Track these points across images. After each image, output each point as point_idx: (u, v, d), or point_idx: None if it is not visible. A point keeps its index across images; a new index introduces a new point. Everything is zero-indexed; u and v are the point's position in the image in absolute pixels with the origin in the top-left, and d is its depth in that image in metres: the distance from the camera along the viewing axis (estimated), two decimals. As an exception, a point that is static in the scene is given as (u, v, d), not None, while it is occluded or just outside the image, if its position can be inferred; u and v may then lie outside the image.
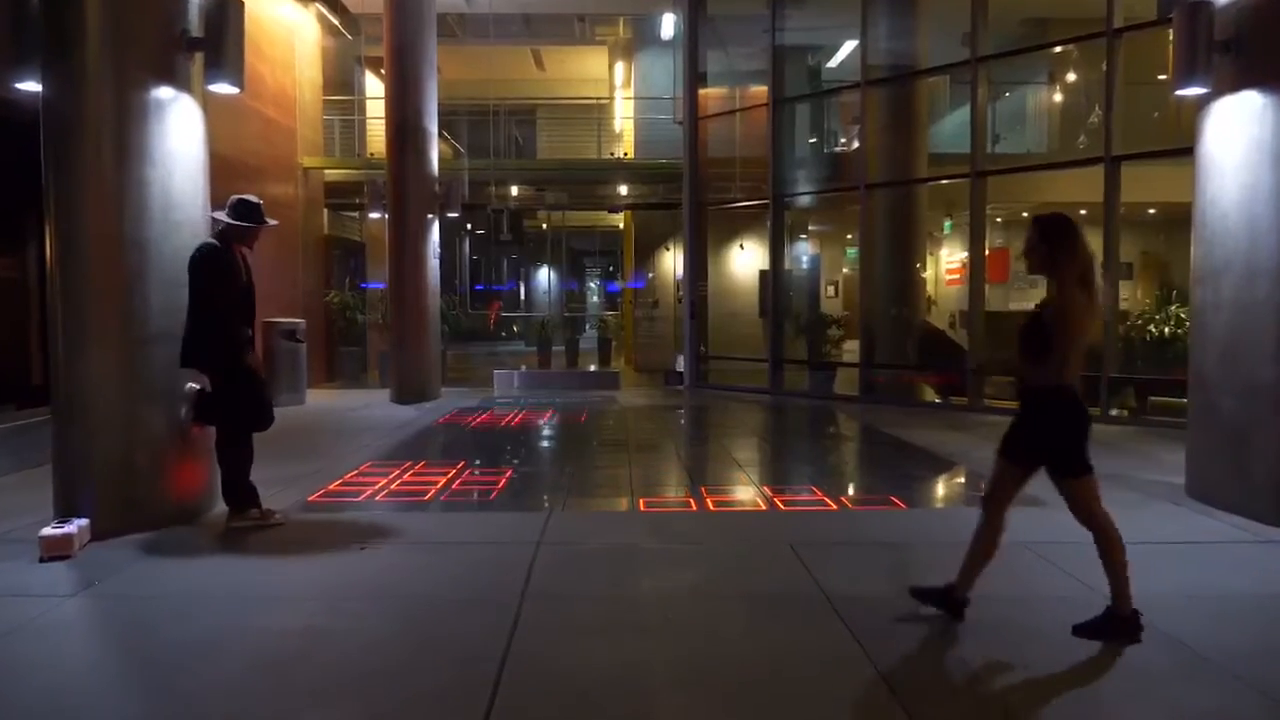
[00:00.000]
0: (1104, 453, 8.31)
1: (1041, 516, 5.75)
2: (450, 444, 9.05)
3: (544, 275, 24.52)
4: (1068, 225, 3.79)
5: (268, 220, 5.70)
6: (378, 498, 6.39)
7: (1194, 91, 6.23)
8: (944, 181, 12.87)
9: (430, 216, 12.96)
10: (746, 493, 6.58)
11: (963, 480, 7.34)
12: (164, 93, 5.47)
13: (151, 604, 4.20)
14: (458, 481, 6.94)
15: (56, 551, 4.81)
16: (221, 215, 5.59)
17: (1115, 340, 10.37)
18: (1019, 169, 12.06)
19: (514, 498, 6.44)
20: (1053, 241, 3.76)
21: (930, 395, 12.59)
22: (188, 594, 4.33)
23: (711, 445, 9.10)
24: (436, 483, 6.86)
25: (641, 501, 6.23)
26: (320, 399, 13.16)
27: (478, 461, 7.84)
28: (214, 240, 5.54)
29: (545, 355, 17.20)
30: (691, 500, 6.26)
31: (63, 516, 5.12)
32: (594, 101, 19.14)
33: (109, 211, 5.25)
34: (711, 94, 14.88)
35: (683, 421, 11.19)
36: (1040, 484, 6.67)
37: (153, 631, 3.89)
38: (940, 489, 7.28)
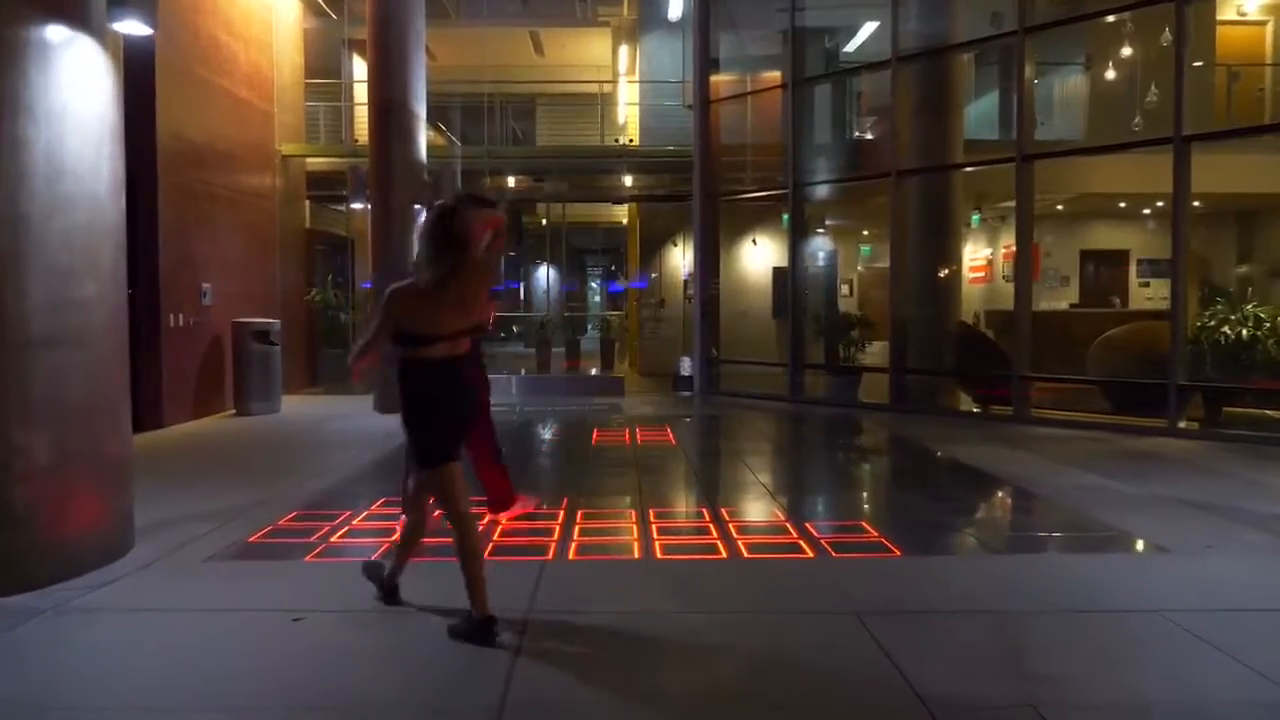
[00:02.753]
0: (1190, 474, 7.15)
1: (1171, 569, 4.59)
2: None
3: (543, 274, 23.31)
4: (438, 211, 3.64)
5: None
6: (334, 538, 5.22)
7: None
8: (986, 167, 11.67)
9: (417, 207, 11.77)
10: (785, 531, 5.39)
11: (1046, 513, 6.12)
12: (53, 32, 4.30)
13: (-14, 715, 3.03)
14: (434, 514, 5.76)
15: (-112, 627, 3.65)
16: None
17: (1183, 343, 9.18)
18: (1072, 152, 10.81)
19: (499, 539, 5.26)
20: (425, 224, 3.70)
21: (967, 404, 11.43)
22: (40, 699, 3.15)
23: (733, 466, 7.91)
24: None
25: (657, 545, 5.04)
26: (297, 406, 12.00)
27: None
28: None
29: (544, 358, 16.01)
30: (719, 543, 5.08)
31: (-91, 575, 3.96)
32: (596, 90, 17.93)
33: (-29, 179, 4.07)
34: (724, 77, 13.70)
35: (697, 435, 10.00)
36: (1164, 527, 5.55)
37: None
38: (1022, 526, 6.02)
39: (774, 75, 13.18)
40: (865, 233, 19.26)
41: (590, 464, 7.87)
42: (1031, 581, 4.35)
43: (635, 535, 5.30)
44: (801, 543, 5.07)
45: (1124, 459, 7.83)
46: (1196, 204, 15.22)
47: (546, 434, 9.92)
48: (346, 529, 5.43)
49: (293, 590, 4.29)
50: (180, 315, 10.49)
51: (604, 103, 18.13)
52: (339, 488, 6.77)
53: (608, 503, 6.20)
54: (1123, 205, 15.81)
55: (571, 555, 4.87)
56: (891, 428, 9.95)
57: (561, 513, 5.83)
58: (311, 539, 5.18)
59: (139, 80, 9.98)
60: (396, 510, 5.85)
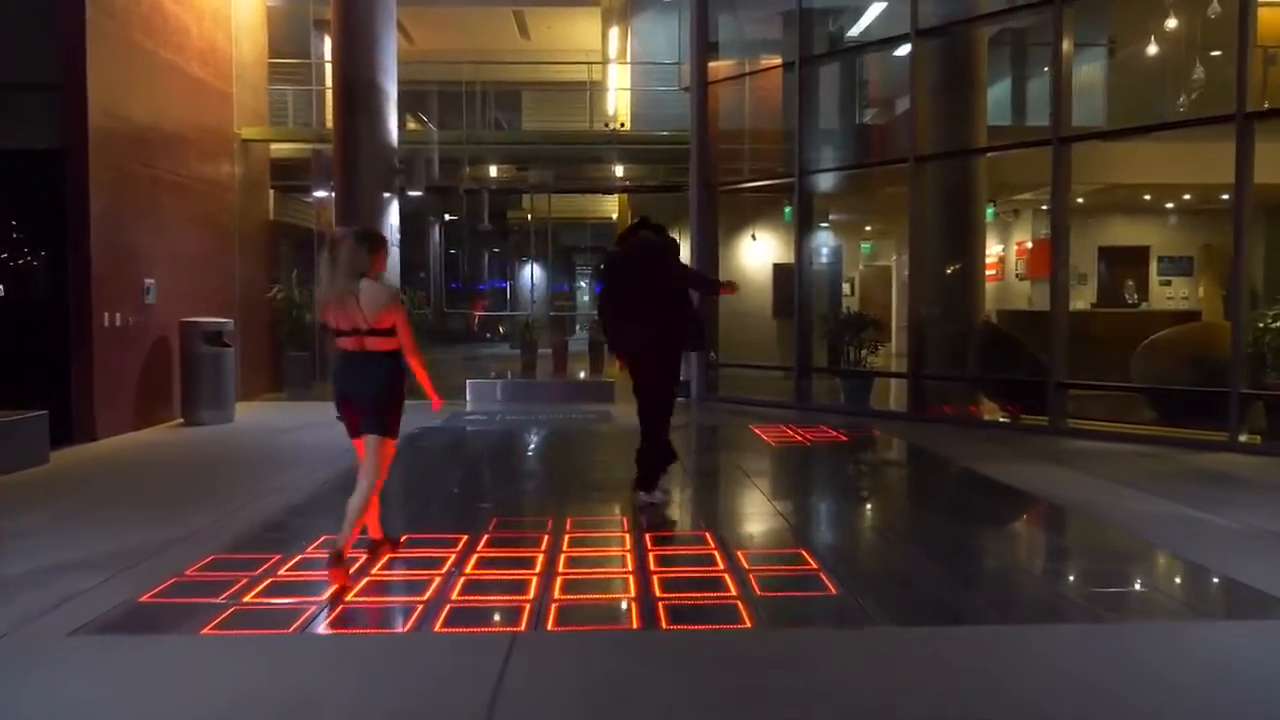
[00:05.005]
0: (1270, 499, 6.15)
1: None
2: (388, 491, 6.76)
3: (528, 272, 22.21)
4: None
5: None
6: (248, 596, 4.09)
7: None
8: (1011, 153, 10.63)
9: (387, 195, 10.71)
10: (820, 585, 4.30)
11: (1136, 558, 5.00)
12: None
13: None
14: (378, 564, 4.65)
15: None
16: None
17: (1245, 346, 8.15)
18: (1116, 133, 9.71)
19: (459, 597, 4.15)
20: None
21: (992, 411, 10.37)
22: None
23: (745, 492, 6.80)
24: (364, 550, 4.58)
25: (661, 609, 3.93)
26: (255, 415, 10.88)
27: (415, 524, 5.57)
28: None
29: (530, 360, 14.89)
30: (739, 604, 3.98)
31: None
32: (586, 78, 16.83)
33: None
34: (724, 62, 12.62)
35: (698, 450, 8.93)
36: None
37: None
38: (1115, 577, 4.62)
39: (779, 55, 12.13)
40: (876, 226, 18.27)
41: (576, 486, 6.77)
42: (1171, 668, 3.26)
43: (632, 591, 4.20)
44: (844, 605, 3.98)
45: (1193, 479, 6.79)
46: (1225, 197, 14.35)
47: (527, 448, 8.83)
48: (268, 582, 4.30)
49: (168, 686, 3.17)
50: (118, 314, 9.34)
51: (594, 91, 17.04)
52: (276, 519, 5.65)
53: (597, 541, 5.10)
54: (1147, 198, 14.79)
55: (550, 623, 3.76)
56: (914, 440, 8.90)
57: (540, 555, 4.73)
58: (220, 598, 4.06)
59: (65, 48, 8.87)
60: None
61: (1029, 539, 5.76)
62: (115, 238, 9.35)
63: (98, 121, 9.08)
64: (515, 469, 7.86)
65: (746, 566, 4.55)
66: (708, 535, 5.20)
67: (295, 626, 3.71)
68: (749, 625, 3.74)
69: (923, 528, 5.77)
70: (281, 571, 4.47)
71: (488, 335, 25.01)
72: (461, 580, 4.34)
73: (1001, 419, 10.10)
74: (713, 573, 4.48)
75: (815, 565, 4.57)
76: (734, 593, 4.13)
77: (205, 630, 3.68)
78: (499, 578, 4.40)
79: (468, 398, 12.56)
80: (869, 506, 6.60)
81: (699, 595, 4.12)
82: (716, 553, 4.82)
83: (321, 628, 3.74)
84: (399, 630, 3.76)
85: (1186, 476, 6.93)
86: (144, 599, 4.06)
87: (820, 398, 11.56)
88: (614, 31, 16.64)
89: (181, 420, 10.21)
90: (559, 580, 4.32)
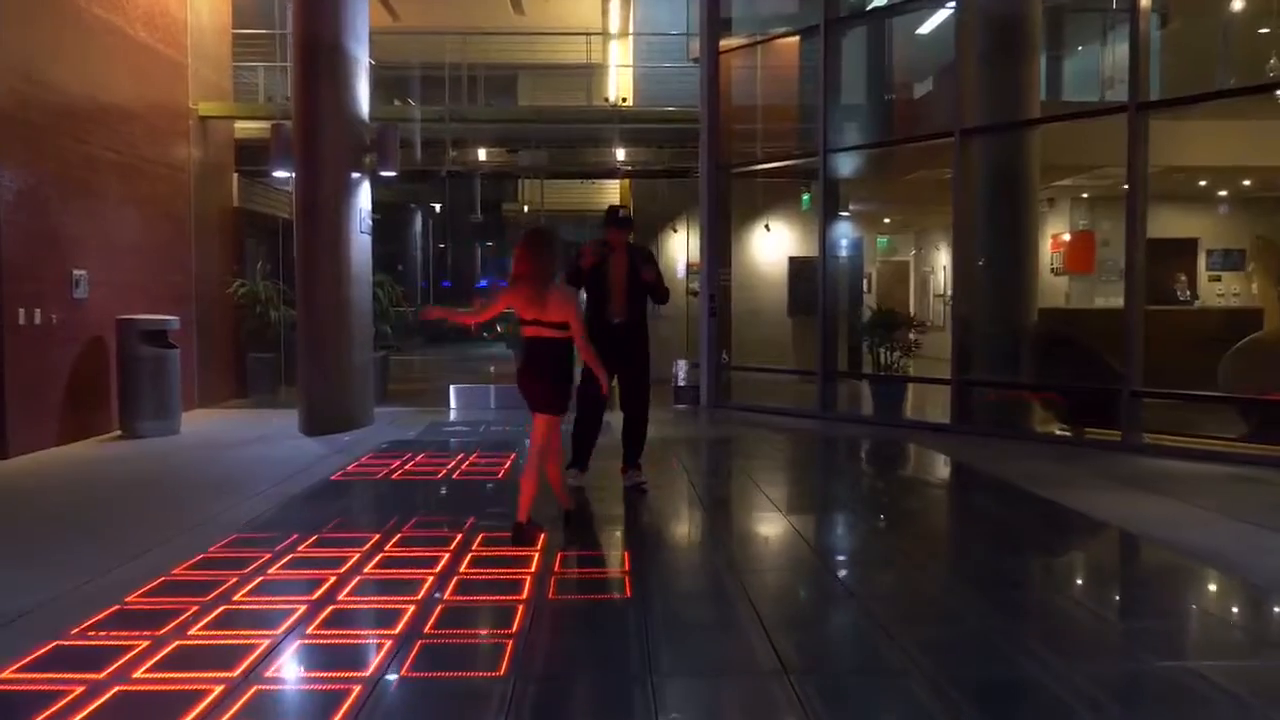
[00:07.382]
0: None
1: None
2: (339, 525, 5.42)
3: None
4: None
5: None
6: (107, 696, 2.77)
7: None
8: (1054, 129, 9.25)
9: (356, 175, 9.35)
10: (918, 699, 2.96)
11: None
12: None
13: None
14: (299, 639, 3.32)
15: None
16: None
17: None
18: (1208, 96, 8.24)
19: (401, 704, 2.83)
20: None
21: (1047, 425, 9.03)
22: None
23: (780, 537, 5.45)
24: (268, 629, 3.25)
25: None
26: (207, 424, 9.61)
27: (353, 584, 4.23)
28: None
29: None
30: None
31: None
32: (585, 57, 15.48)
33: None
34: (737, 24, 11.31)
35: (714, 476, 7.60)
36: None
37: None
38: None
39: (801, 15, 10.83)
40: (894, 218, 16.99)
41: (564, 531, 5.42)
42: None
43: (643, 708, 2.87)
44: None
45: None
46: (1290, 184, 12.99)
47: (514, 471, 7.46)
48: (113, 693, 2.96)
49: None
50: (37, 311, 8.05)
51: (595, 72, 15.68)
52: (175, 577, 4.31)
53: (589, 633, 3.78)
54: (1203, 183, 13.45)
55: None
56: (967, 458, 7.57)
57: (507, 645, 3.39)
58: (64, 700, 2.73)
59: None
60: (244, 622, 3.41)
61: (1170, 613, 4.06)
62: (35, 222, 8.05)
63: (11, 85, 7.78)
64: (492, 497, 6.42)
65: (806, 669, 3.21)
66: (746, 631, 3.87)
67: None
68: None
69: (1025, 594, 4.40)
70: (139, 674, 3.12)
71: (484, 335, 23.76)
72: (403, 656, 3.01)
73: (1060, 431, 8.78)
74: (763, 683, 3.14)
75: (917, 661, 3.24)
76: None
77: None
78: (452, 667, 3.07)
79: (452, 404, 11.28)
80: (944, 545, 5.26)
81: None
82: (751, 642, 3.49)
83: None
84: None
85: (1322, 511, 5.62)
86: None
87: (849, 406, 10.26)
88: (614, 5, 15.29)
89: (120, 432, 8.91)
90: (533, 674, 2.99)
